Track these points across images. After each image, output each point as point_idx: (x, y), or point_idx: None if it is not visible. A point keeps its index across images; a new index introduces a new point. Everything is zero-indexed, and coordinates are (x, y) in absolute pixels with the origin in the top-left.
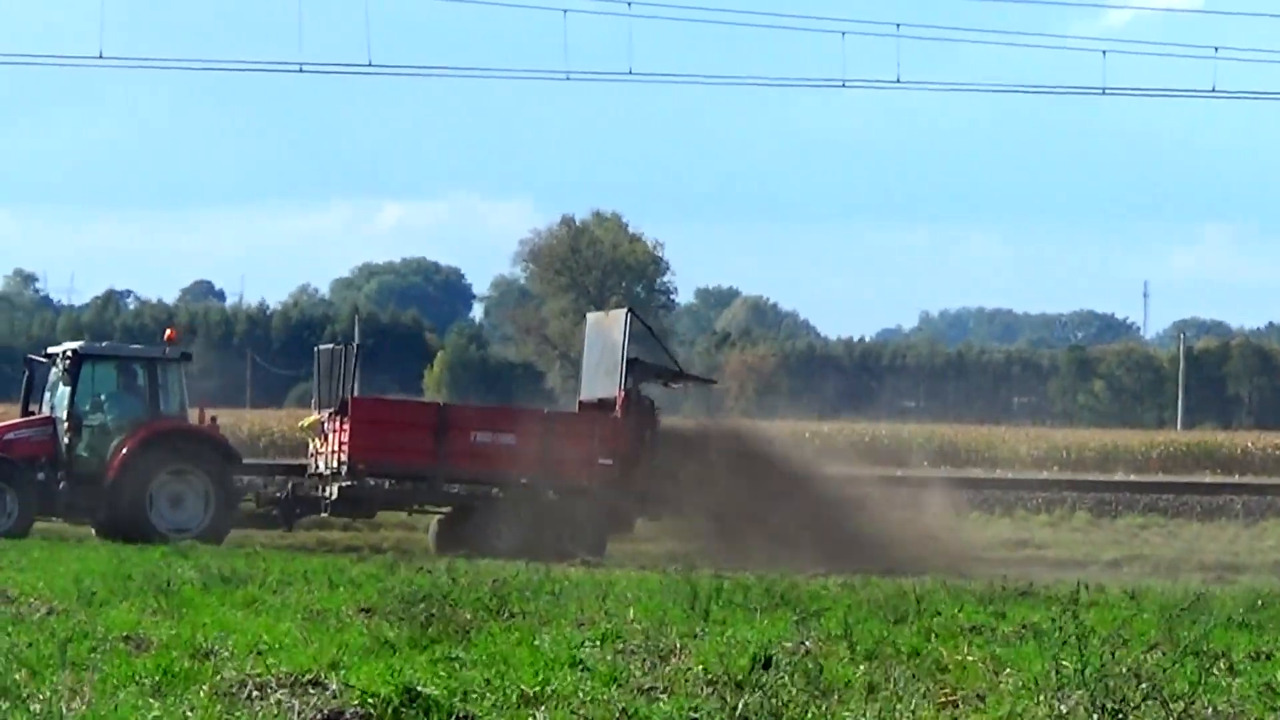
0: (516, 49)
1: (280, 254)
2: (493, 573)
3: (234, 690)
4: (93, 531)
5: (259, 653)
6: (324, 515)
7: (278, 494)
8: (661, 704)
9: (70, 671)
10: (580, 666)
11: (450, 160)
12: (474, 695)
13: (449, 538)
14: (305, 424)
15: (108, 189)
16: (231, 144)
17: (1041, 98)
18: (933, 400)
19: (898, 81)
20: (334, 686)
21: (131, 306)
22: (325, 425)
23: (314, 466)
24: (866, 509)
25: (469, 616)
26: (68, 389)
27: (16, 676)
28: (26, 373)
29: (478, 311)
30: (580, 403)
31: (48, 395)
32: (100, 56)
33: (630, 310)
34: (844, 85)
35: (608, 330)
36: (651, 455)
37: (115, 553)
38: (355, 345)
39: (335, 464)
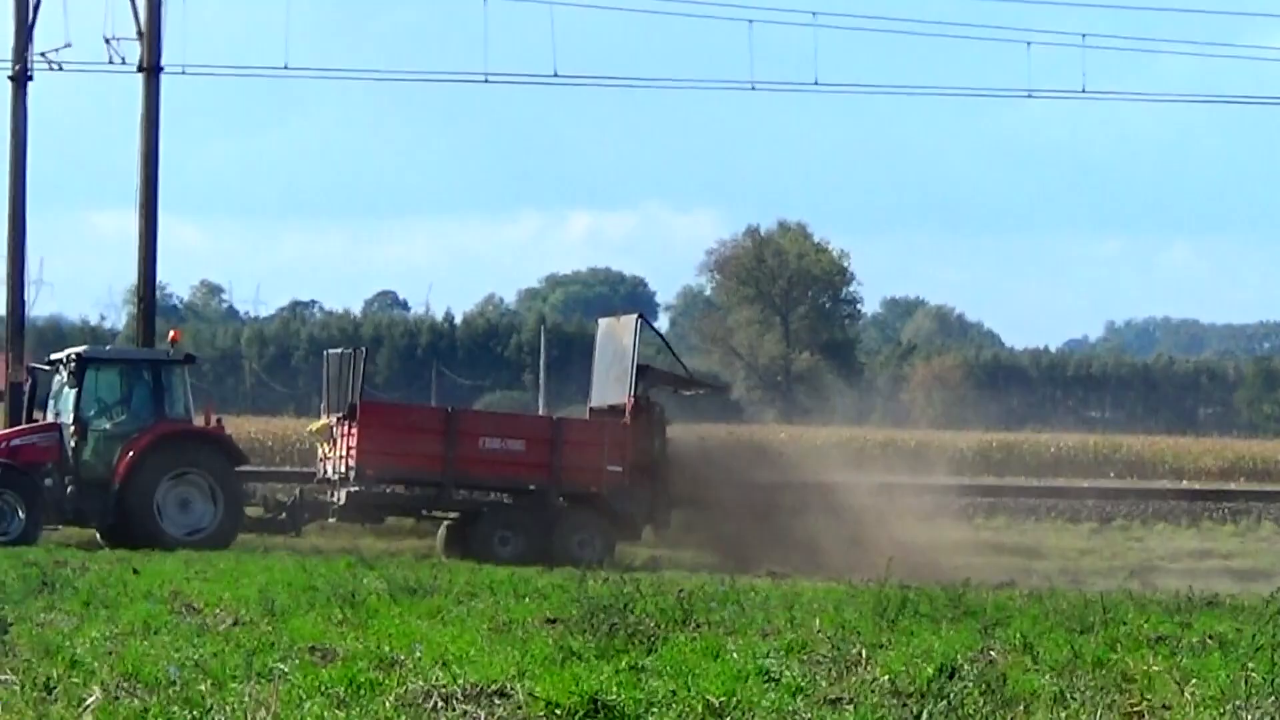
0: (702, 59)
1: (466, 264)
2: (678, 583)
3: (419, 701)
4: (98, 536)
5: (444, 663)
6: (331, 520)
7: (286, 499)
8: (847, 714)
9: (256, 682)
10: (766, 676)
11: (637, 170)
12: (659, 706)
13: (458, 543)
14: (314, 429)
15: (294, 200)
16: (417, 155)
17: (1232, 108)
18: (1119, 411)
19: (1084, 91)
20: (519, 697)
21: (317, 317)
22: (334, 430)
23: (322, 472)
24: (880, 518)
25: (654, 626)
26: (73, 394)
27: (202, 688)
28: (30, 380)
29: (663, 322)
30: (590, 409)
31: (52, 402)
32: (286, 67)
33: (640, 316)
34: (1030, 95)
35: (618, 336)
36: (661, 462)
37: (301, 563)
38: (365, 350)
39: (343, 469)
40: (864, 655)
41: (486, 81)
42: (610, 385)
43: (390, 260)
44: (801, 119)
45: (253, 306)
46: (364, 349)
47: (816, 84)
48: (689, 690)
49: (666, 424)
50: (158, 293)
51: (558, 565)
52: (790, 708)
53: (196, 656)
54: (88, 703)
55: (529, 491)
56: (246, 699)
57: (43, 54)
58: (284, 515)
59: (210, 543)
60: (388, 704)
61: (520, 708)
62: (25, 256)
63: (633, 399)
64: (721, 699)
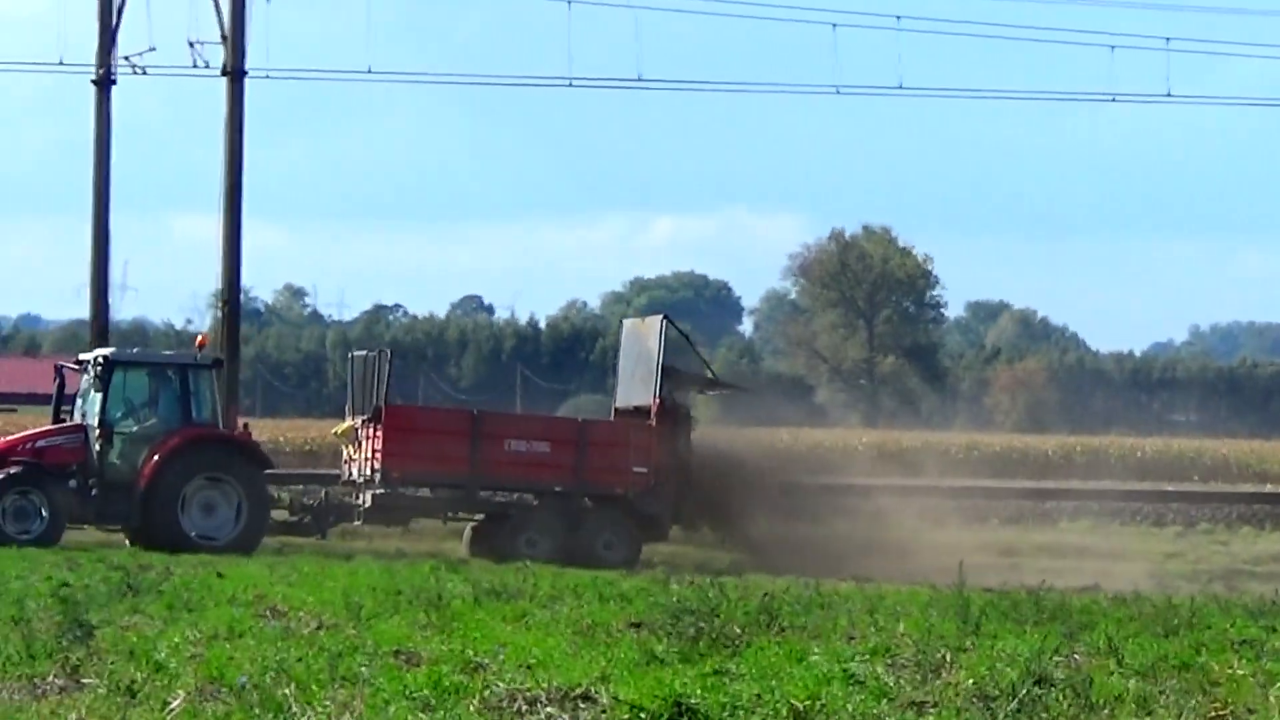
0: (786, 63)
1: (550, 268)
2: (762, 587)
3: (504, 704)
4: (126, 540)
5: (529, 667)
6: (357, 523)
7: (311, 502)
8: (931, 718)
9: (340, 686)
10: (851, 680)
11: (721, 174)
12: (743, 709)
13: (483, 545)
14: (339, 431)
15: (378, 204)
16: (501, 158)
17: None
18: (1203, 414)
19: (1168, 95)
20: (603, 700)
21: (401, 321)
22: (359, 432)
23: (347, 474)
24: (899, 520)
25: (739, 630)
26: (99, 396)
27: (286, 691)
28: (58, 381)
29: (747, 325)
30: (615, 410)
31: (79, 403)
32: (369, 71)
33: (665, 317)
34: (1114, 99)
35: (644, 338)
36: (686, 463)
37: (385, 567)
38: (389, 352)
39: (369, 471)
40: (948, 659)
41: (570, 85)
42: (635, 387)
43: (474, 264)
44: (886, 122)
45: (336, 310)
46: (389, 351)
47: (901, 88)
48: (773, 694)
49: (692, 425)
50: (241, 296)
51: (585, 567)
52: (874, 712)
53: (280, 661)
54: (172, 706)
55: (555, 493)
56: (331, 703)
57: (126, 58)
58: (309, 518)
59: (234, 547)
60: (472, 708)
61: (604, 712)
62: (109, 261)
63: (658, 400)
64: (806, 703)
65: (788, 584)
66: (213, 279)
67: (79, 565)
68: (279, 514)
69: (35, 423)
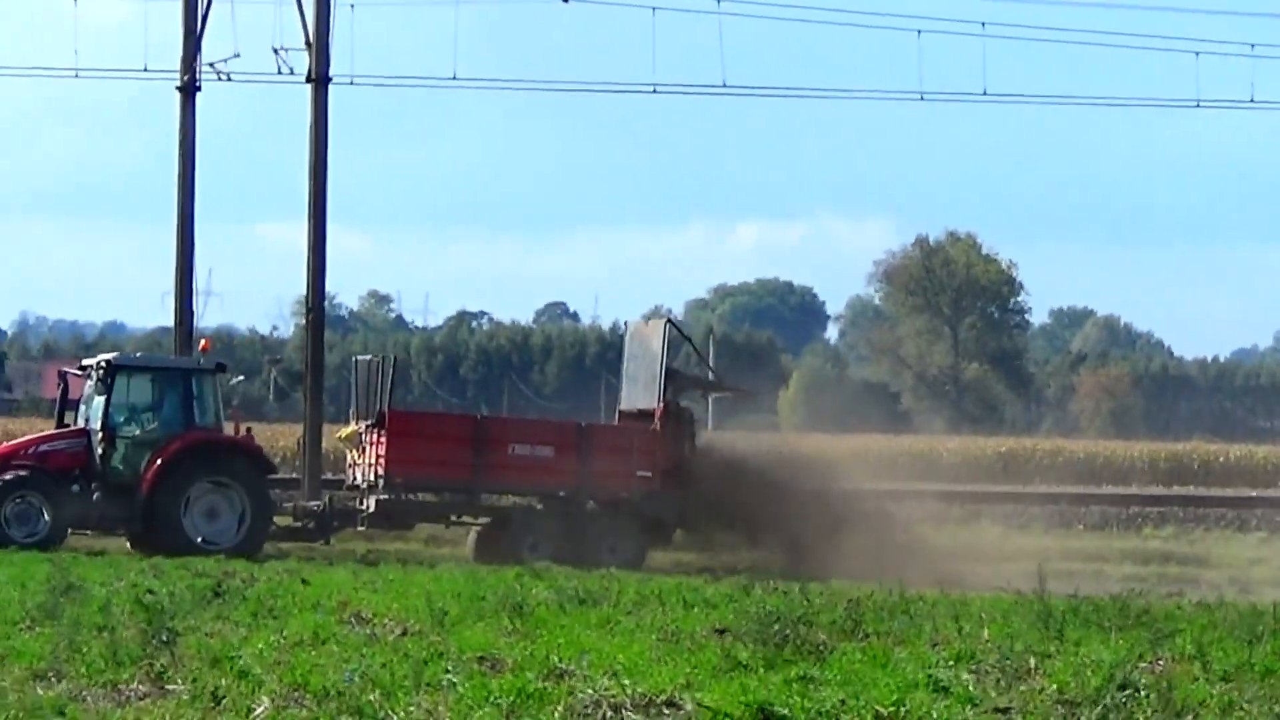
0: (871, 69)
1: (634, 275)
2: (847, 593)
3: (588, 711)
4: (127, 543)
5: (613, 673)
6: (361, 528)
7: (315, 507)
8: None
9: (425, 692)
10: (935, 686)
11: (805, 180)
12: (828, 716)
13: (488, 549)
14: (343, 435)
15: (462, 211)
16: (586, 165)
17: None
18: None
19: (1252, 101)
20: (688, 707)
21: (485, 327)
22: (363, 437)
23: (351, 479)
24: (905, 523)
25: (823, 637)
26: (102, 400)
27: (371, 698)
28: (61, 385)
29: (832, 332)
30: (619, 414)
31: (82, 408)
32: (454, 77)
33: (669, 320)
34: (1198, 105)
35: (647, 341)
36: (691, 466)
37: (470, 574)
38: (394, 357)
39: (372, 476)
40: (1032, 665)
41: (655, 92)
42: (639, 390)
43: (559, 271)
44: (970, 129)
45: (421, 316)
46: (393, 356)
47: (985, 94)
48: (858, 700)
49: (695, 428)
50: (326, 303)
51: (588, 570)
52: (959, 717)
53: (365, 667)
54: (256, 713)
55: (559, 497)
56: (415, 709)
57: (211, 64)
58: (313, 524)
59: (237, 552)
60: (556, 714)
61: (689, 718)
62: (194, 267)
63: (662, 404)
64: (890, 709)
65: (871, 590)
66: (297, 285)
67: (164, 572)
68: (282, 519)
69: None
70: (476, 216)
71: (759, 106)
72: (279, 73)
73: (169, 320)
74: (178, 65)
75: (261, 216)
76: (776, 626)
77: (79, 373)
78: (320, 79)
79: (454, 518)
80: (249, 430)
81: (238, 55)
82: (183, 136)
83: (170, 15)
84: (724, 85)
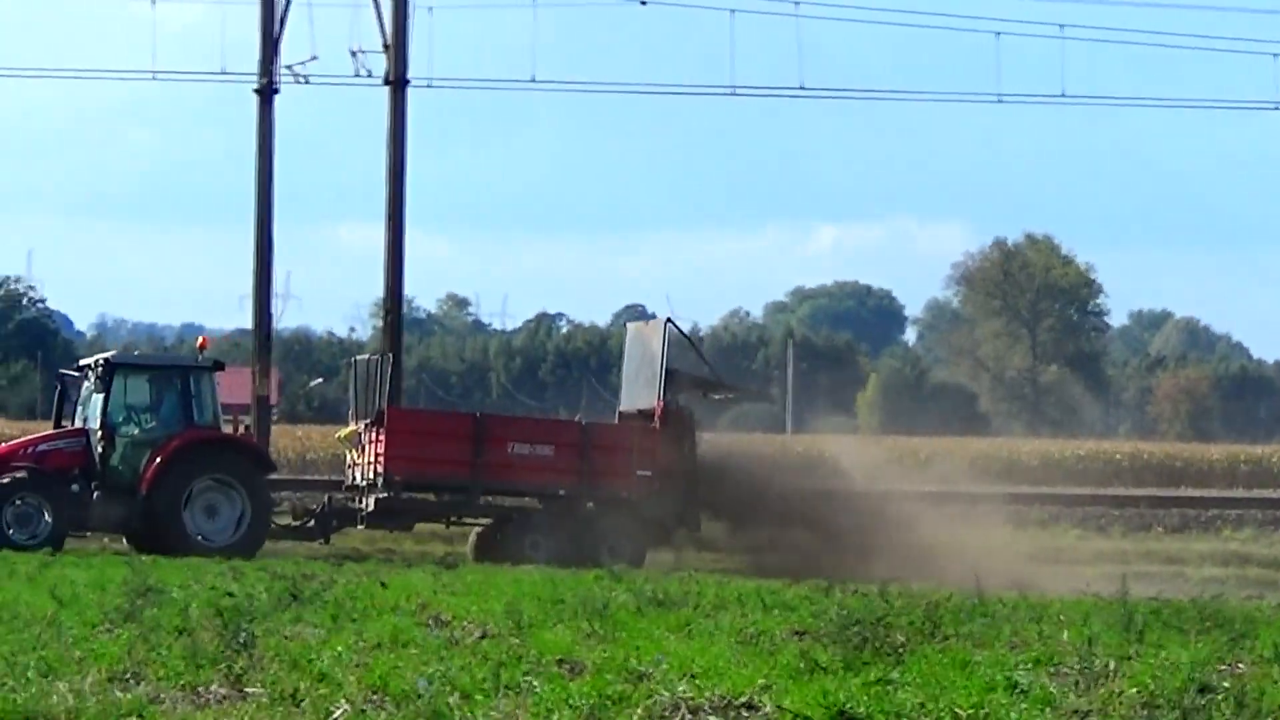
0: (949, 71)
1: (712, 277)
2: (926, 595)
3: (667, 713)
4: (125, 542)
5: (692, 676)
6: (361, 528)
7: (314, 506)
8: None
9: (504, 695)
10: (1014, 689)
11: (883, 182)
12: (907, 718)
13: (488, 549)
14: (343, 435)
15: (541, 213)
16: (664, 167)
17: None
18: None
19: None
20: (767, 709)
21: (564, 330)
22: (362, 437)
23: (351, 479)
24: (910, 523)
25: (902, 639)
26: (100, 399)
27: (450, 701)
28: (59, 387)
29: (910, 334)
30: (619, 413)
31: (81, 408)
32: (533, 80)
33: (669, 320)
34: (1278, 107)
35: (647, 340)
36: (691, 466)
37: (549, 576)
38: (391, 356)
39: (372, 475)
40: (1112, 668)
41: (733, 94)
42: (639, 390)
43: (637, 272)
44: (1049, 131)
45: (499, 319)
46: (390, 355)
47: (1063, 96)
48: (937, 703)
49: (697, 428)
50: (404, 305)
51: (587, 569)
52: None
53: (444, 670)
54: (335, 715)
55: (558, 496)
56: (495, 712)
57: (289, 67)
58: (312, 523)
59: (236, 550)
60: (635, 717)
61: None
62: (272, 270)
63: (662, 403)
64: (969, 712)
65: (950, 592)
66: (375, 288)
67: (243, 575)
68: (282, 519)
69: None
70: (555, 219)
71: (837, 109)
72: (357, 75)
73: (247, 323)
74: (255, 68)
75: (340, 219)
76: (855, 628)
77: (76, 373)
78: (398, 81)
79: (453, 518)
80: (247, 428)
81: (315, 58)
82: (260, 139)
83: (248, 18)
84: (802, 87)
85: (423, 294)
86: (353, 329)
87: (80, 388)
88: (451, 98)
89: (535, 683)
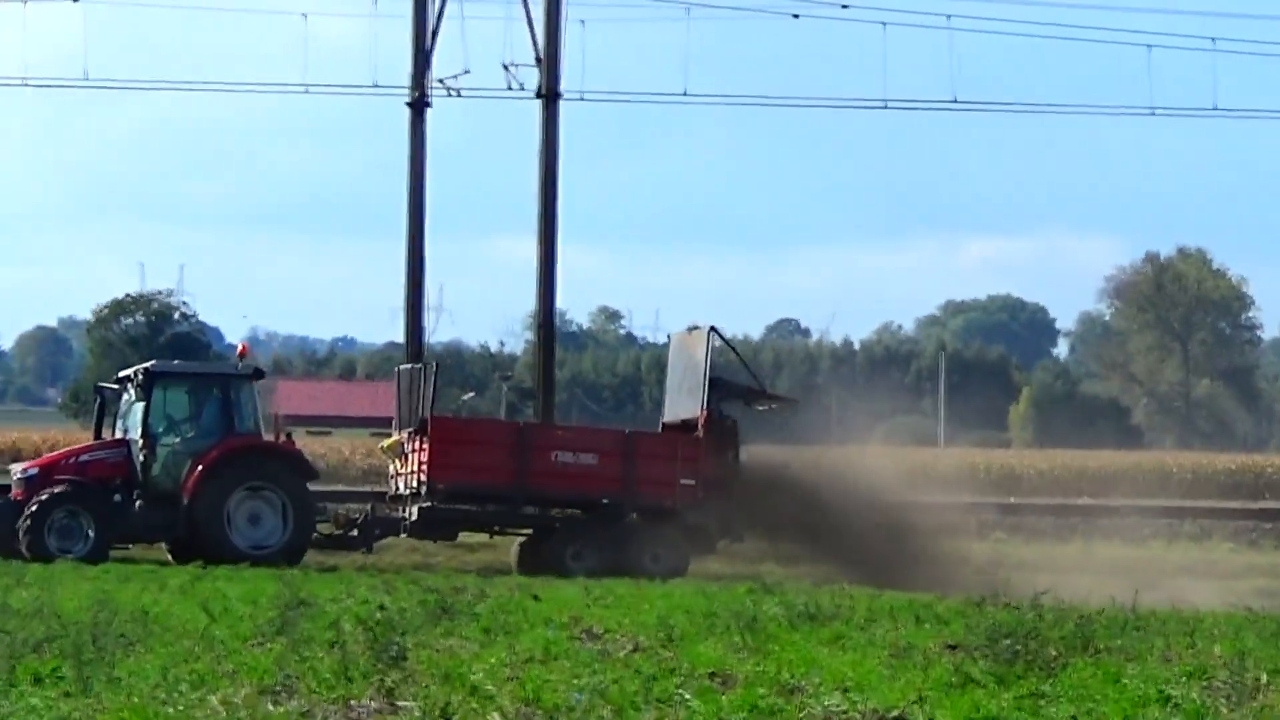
0: (1101, 84)
1: (864, 290)
2: (1077, 609)
3: None
4: (167, 553)
5: (844, 689)
6: (403, 537)
7: (357, 515)
8: None
9: (656, 708)
10: (1166, 703)
11: (1035, 196)
12: None
13: (530, 559)
14: (385, 445)
15: (692, 226)
16: (816, 181)
17: None
18: None
19: None
20: None
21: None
22: (405, 446)
23: (394, 488)
24: (946, 532)
25: (1055, 653)
26: (141, 409)
27: (603, 713)
28: (98, 399)
29: (1062, 348)
30: (663, 423)
31: (121, 419)
32: (685, 93)
33: (712, 329)
34: None
35: (691, 349)
36: (734, 475)
37: (699, 589)
38: (435, 365)
39: (415, 485)
40: (1264, 681)
41: (885, 107)
42: (683, 399)
43: (789, 286)
44: (1201, 144)
45: (652, 332)
46: (435, 363)
47: (1216, 109)
48: (1089, 716)
49: (739, 437)
50: (557, 319)
51: (631, 579)
52: None
53: (596, 683)
54: None
55: (602, 506)
56: None
57: (441, 81)
58: (355, 532)
59: (279, 558)
60: None
61: None
62: (424, 283)
63: (705, 412)
64: None
65: (1103, 606)
66: (528, 301)
67: (394, 588)
68: (324, 528)
69: (350, 446)
70: (707, 232)
71: (989, 122)
72: (509, 89)
73: (399, 336)
74: (407, 81)
75: (494, 232)
76: (1007, 642)
77: (114, 387)
78: (550, 95)
79: (496, 527)
80: (289, 435)
81: (468, 71)
82: (412, 152)
83: (400, 32)
84: (954, 100)
85: (575, 307)
86: (503, 343)
87: (120, 399)
88: (604, 110)
89: (687, 696)
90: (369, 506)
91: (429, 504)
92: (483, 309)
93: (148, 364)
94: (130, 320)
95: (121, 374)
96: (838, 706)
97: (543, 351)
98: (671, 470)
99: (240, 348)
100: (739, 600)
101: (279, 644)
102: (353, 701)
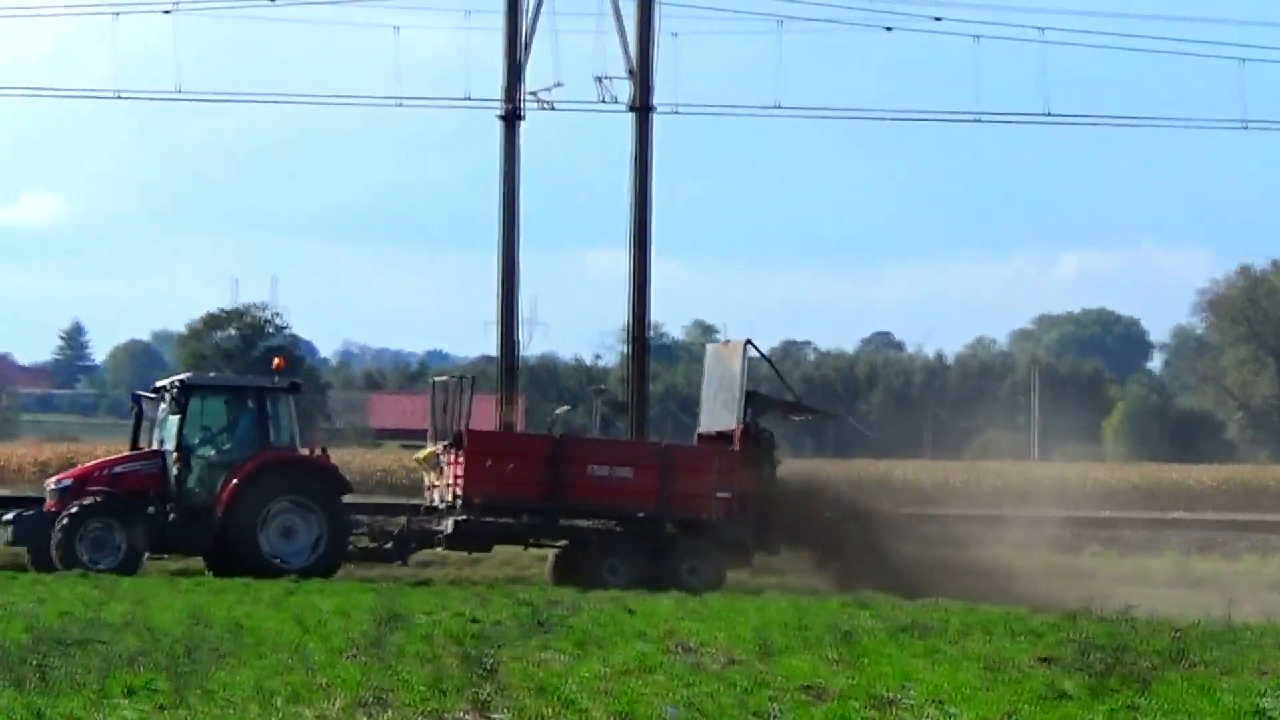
0: (1194, 97)
1: (958, 304)
2: (1171, 622)
3: None
4: (204, 565)
5: (938, 702)
6: (439, 549)
7: (392, 528)
8: None
9: None
10: (1261, 716)
11: (1129, 209)
12: None
13: (566, 572)
14: (421, 456)
15: (787, 239)
16: (908, 194)
17: None
18: None
19: None
20: None
21: (810, 358)
22: (441, 458)
23: (429, 501)
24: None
25: (1148, 666)
26: (176, 420)
27: None
28: (135, 409)
29: (1156, 362)
30: (698, 435)
31: (156, 430)
32: (778, 106)
33: (748, 341)
34: None
35: (726, 362)
36: (771, 488)
37: (794, 603)
38: (471, 378)
39: (450, 497)
40: None
41: (978, 120)
42: (718, 411)
43: (884, 300)
44: None
45: None
46: (471, 377)
47: None
48: None
49: (776, 450)
50: (650, 332)
51: (667, 593)
52: None
53: (691, 696)
54: None
55: (638, 519)
56: None
57: (533, 94)
58: (390, 545)
59: (314, 572)
60: None
61: None
62: (517, 296)
63: (741, 425)
64: None
65: (1198, 618)
66: (622, 314)
67: (488, 601)
68: (359, 540)
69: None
70: (800, 245)
71: (1082, 134)
72: (601, 101)
73: (492, 349)
74: (499, 94)
75: (588, 245)
76: (1100, 655)
77: (151, 397)
78: (643, 108)
79: (532, 540)
80: (324, 450)
81: (560, 84)
82: (505, 165)
83: (491, 45)
84: (1047, 113)
85: (670, 320)
86: (598, 355)
87: (156, 409)
88: (696, 123)
89: (781, 709)
90: (404, 519)
91: (465, 517)
92: (577, 322)
93: (184, 375)
94: (223, 334)
95: (158, 384)
96: (932, 719)
97: (635, 365)
98: (708, 483)
99: (276, 361)
100: (832, 614)
101: (373, 657)
102: (446, 714)
